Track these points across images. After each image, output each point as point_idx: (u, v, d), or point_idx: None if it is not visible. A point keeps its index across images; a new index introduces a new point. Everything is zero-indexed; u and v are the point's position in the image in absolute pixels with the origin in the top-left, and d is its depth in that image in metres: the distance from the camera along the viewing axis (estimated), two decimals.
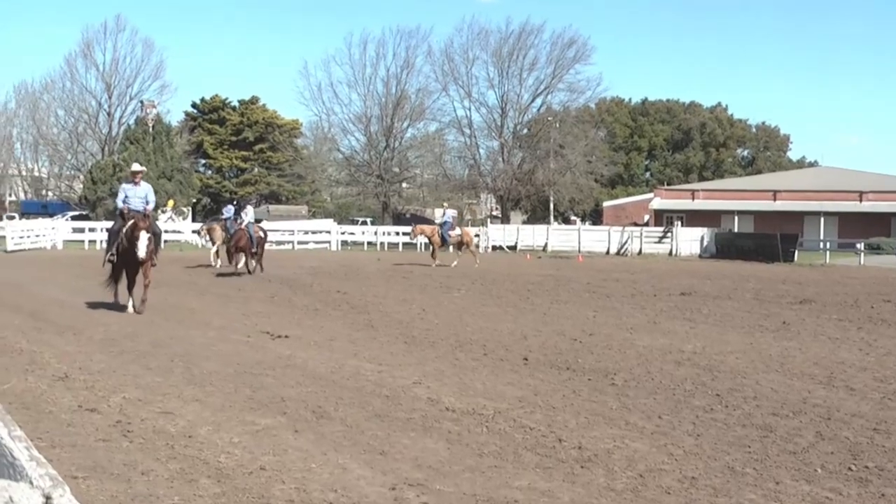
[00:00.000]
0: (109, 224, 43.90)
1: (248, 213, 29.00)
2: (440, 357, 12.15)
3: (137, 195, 17.38)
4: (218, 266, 30.07)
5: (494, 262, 38.99)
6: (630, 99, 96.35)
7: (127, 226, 16.94)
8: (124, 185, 17.89)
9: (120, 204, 17.47)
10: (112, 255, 17.30)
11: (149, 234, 16.60)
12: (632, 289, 24.05)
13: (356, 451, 7.31)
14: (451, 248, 35.66)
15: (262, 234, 29.28)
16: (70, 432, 7.68)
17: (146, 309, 16.85)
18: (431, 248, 35.54)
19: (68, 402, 8.80)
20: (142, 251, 16.42)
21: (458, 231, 36.12)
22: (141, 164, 20.94)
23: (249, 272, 27.24)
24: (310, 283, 24.38)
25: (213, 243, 32.22)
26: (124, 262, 17.14)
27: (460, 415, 8.57)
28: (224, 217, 32.69)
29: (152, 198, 17.63)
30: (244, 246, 27.57)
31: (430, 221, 72.35)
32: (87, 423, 7.98)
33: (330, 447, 7.39)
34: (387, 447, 7.41)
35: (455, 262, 34.23)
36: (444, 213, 37.30)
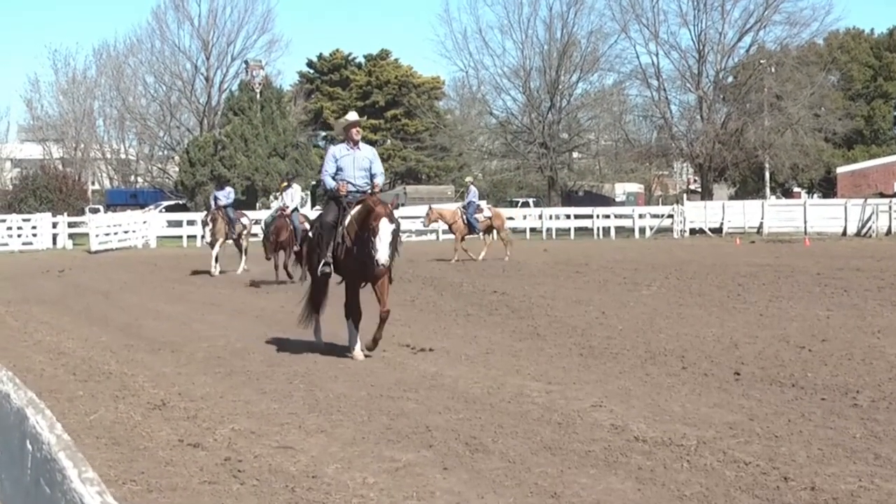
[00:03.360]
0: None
1: (294, 194, 27.21)
2: (626, 372, 12.05)
3: (358, 165, 14.06)
4: (216, 273, 28.56)
5: (694, 250, 38.48)
6: (872, 30, 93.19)
7: (351, 214, 13.63)
8: (334, 149, 14.49)
9: (330, 181, 14.07)
10: (326, 263, 13.93)
11: (392, 226, 13.09)
12: (879, 280, 23.30)
13: (521, 492, 7.32)
14: (479, 235, 34.28)
15: (307, 225, 27.80)
16: (169, 472, 7.96)
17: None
18: (455, 237, 33.94)
19: (167, 436, 9.12)
20: (382, 254, 12.88)
21: (486, 213, 34.36)
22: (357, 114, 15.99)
23: (290, 277, 25.07)
24: (459, 283, 24.57)
25: (214, 241, 29.53)
26: (345, 275, 14.05)
27: (653, 446, 8.48)
28: (223, 204, 30.37)
29: (380, 167, 14.35)
30: (286, 241, 25.84)
31: (608, 200, 72.11)
32: (190, 462, 8.25)
33: (488, 488, 7.43)
34: (560, 488, 7.40)
35: (483, 254, 32.92)
36: (468, 191, 35.19)
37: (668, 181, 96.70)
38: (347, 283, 14.03)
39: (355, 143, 14.11)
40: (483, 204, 36.08)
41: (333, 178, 14.03)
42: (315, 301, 14.83)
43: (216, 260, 28.94)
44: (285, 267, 25.75)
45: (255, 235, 32.82)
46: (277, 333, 16.10)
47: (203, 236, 32.07)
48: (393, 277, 14.19)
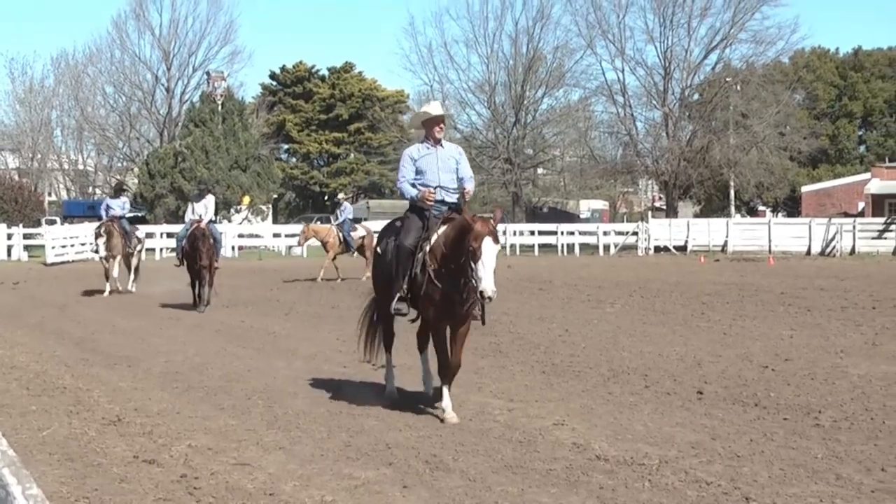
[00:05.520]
0: (174, 228, 40.02)
1: (209, 204, 24.37)
2: (588, 391, 12.08)
3: (443, 166, 11.47)
4: (109, 291, 27.09)
5: (658, 268, 38.61)
6: (837, 49, 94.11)
7: (438, 234, 10.90)
8: (410, 150, 11.66)
9: (409, 189, 11.43)
10: (402, 299, 11.11)
11: (498, 247, 10.33)
12: (842, 299, 23.49)
13: None
14: (353, 253, 32.78)
15: (213, 238, 23.93)
16: (123, 490, 7.90)
17: None
18: (328, 254, 32.66)
19: (121, 452, 9.06)
20: (487, 283, 10.00)
21: (361, 231, 33.26)
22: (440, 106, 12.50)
23: (202, 301, 23.07)
24: None
25: (110, 257, 27.51)
26: (428, 314, 11.10)
27: (615, 465, 8.50)
28: (117, 214, 28.30)
29: (469, 170, 11.64)
30: (209, 262, 23.25)
31: (572, 217, 72.28)
32: (145, 479, 8.20)
33: None
34: None
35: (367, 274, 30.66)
36: (341, 207, 33.96)
37: (633, 198, 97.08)
38: (431, 325, 11.19)
39: (437, 142, 11.54)
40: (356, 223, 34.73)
41: (414, 185, 11.40)
42: (385, 338, 12.16)
43: (108, 277, 27.29)
44: (200, 287, 23.21)
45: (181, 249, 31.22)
46: (237, 349, 16.07)
47: (95, 250, 28.99)
48: (486, 319, 11.19)
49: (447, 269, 10.52)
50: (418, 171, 11.38)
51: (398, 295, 11.01)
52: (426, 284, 10.68)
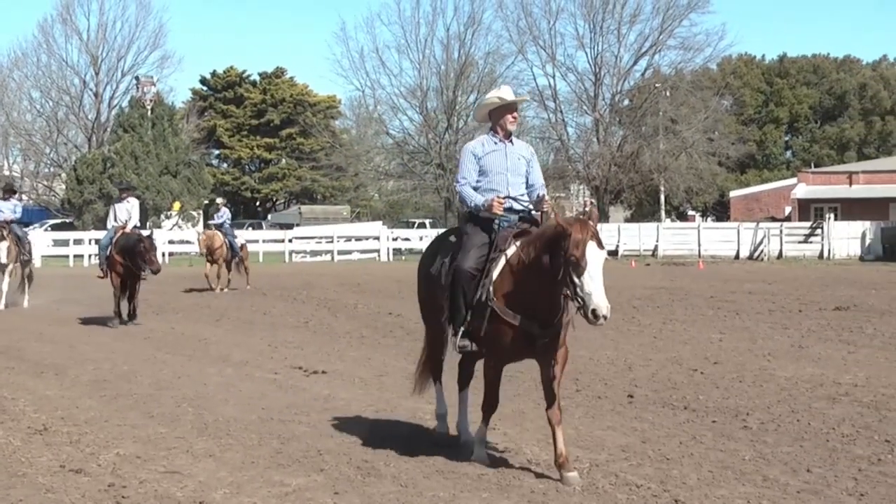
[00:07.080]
0: (98, 235, 37.95)
1: (132, 209, 22.19)
2: (520, 395, 12.09)
3: (513, 167, 9.32)
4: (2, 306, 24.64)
5: None
6: (763, 56, 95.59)
7: (511, 253, 8.69)
8: (473, 146, 9.41)
9: (472, 195, 9.18)
10: (466, 334, 8.97)
11: (604, 254, 8.16)
12: (770, 303, 23.77)
13: None
14: (234, 262, 30.49)
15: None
16: (49, 500, 7.79)
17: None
18: (213, 263, 30.00)
19: (47, 462, 8.94)
20: (599, 300, 7.96)
21: (240, 240, 31.44)
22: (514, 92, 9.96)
23: (123, 319, 20.96)
24: (353, 304, 24.53)
25: (3, 266, 24.67)
26: (497, 348, 8.89)
27: (546, 469, 8.53)
28: (9, 219, 24.95)
29: (540, 177, 9.65)
30: (137, 273, 21.07)
31: None
32: (72, 488, 8.09)
33: None
34: None
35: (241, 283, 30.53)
36: (219, 212, 31.83)
37: (565, 203, 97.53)
38: (492, 364, 9.10)
39: (507, 136, 9.35)
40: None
41: (473, 189, 9.23)
42: (433, 369, 10.42)
43: (5, 287, 24.81)
44: (131, 301, 21.26)
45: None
46: (166, 356, 15.92)
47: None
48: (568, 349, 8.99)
49: (527, 294, 8.47)
50: (481, 172, 9.23)
51: (462, 329, 8.93)
52: (491, 319, 8.60)
